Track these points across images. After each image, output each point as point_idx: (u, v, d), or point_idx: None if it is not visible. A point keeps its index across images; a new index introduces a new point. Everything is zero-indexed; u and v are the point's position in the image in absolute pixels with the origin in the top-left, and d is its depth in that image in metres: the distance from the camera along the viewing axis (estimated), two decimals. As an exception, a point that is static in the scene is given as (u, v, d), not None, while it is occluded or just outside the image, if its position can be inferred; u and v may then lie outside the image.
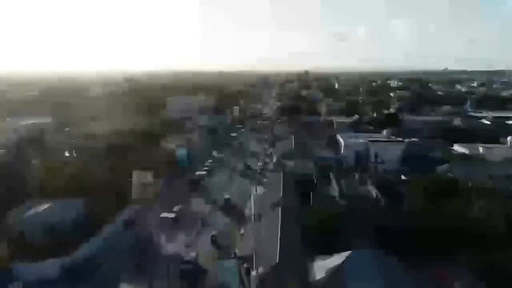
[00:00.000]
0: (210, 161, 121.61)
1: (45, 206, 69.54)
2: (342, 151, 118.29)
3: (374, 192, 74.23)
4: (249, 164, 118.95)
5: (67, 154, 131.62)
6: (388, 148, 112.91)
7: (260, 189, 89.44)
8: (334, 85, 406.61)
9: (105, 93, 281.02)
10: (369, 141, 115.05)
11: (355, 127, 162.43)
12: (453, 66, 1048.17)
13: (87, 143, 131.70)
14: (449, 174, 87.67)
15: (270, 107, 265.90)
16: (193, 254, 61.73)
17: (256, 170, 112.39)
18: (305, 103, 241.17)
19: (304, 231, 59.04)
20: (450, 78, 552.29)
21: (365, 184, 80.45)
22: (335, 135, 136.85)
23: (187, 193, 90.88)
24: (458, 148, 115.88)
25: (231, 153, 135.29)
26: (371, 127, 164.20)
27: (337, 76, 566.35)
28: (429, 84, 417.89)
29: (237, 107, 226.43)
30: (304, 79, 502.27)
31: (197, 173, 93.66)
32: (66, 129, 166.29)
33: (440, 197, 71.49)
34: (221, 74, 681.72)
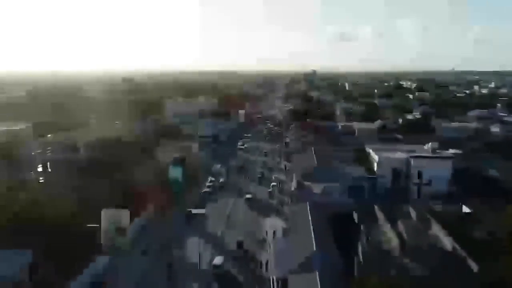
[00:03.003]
0: (211, 179, 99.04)
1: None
2: (376, 169, 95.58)
3: (448, 241, 51.43)
4: (261, 186, 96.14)
5: (40, 169, 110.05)
6: (434, 166, 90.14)
7: (279, 227, 66.73)
8: (345, 86, 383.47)
9: (100, 94, 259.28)
10: (411, 157, 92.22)
11: (380, 135, 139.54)
12: (459, 66, 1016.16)
13: (65, 155, 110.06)
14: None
15: (278, 110, 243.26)
16: None
17: (271, 192, 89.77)
18: (317, 106, 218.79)
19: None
20: (463, 79, 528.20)
21: (429, 225, 57.63)
22: (362, 146, 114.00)
23: (177, 239, 67.31)
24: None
25: (237, 169, 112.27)
26: (399, 136, 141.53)
27: (346, 76, 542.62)
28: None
29: (243, 111, 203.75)
30: (312, 80, 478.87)
31: (193, 211, 70.63)
32: (49, 135, 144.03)
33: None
34: (221, 74, 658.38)
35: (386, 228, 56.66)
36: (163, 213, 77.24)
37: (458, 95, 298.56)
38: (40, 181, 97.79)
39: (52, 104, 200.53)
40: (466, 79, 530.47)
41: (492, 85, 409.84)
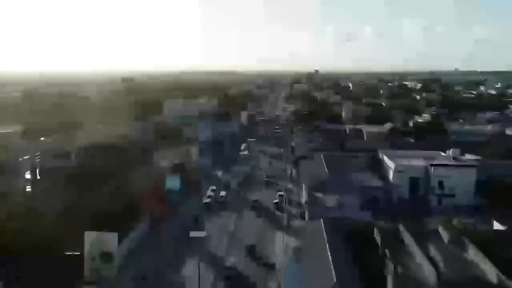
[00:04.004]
0: (212, 188, 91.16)
1: None
2: (391, 177, 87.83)
3: (491, 270, 43.62)
4: (266, 196, 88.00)
5: (28, 176, 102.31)
6: (457, 175, 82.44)
7: (290, 247, 59.03)
8: (348, 86, 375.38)
9: (98, 95, 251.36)
10: (431, 165, 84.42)
11: (391, 139, 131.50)
12: (461, 66, 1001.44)
13: (56, 161, 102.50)
14: None
15: (281, 111, 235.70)
16: None
17: (278, 204, 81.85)
18: (321, 107, 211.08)
19: None
20: (466, 79, 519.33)
21: (465, 249, 49.81)
22: (374, 151, 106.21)
23: (174, 262, 59.27)
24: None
25: (240, 176, 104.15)
26: (411, 139, 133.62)
27: (348, 76, 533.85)
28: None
29: (245, 112, 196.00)
30: (315, 80, 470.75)
31: (192, 233, 61.85)
32: (41, 138, 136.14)
33: None
34: (222, 74, 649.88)
35: (416, 252, 48.81)
36: (158, 229, 69.60)
37: (465, 96, 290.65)
38: (27, 189, 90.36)
39: (47, 105, 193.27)
40: (470, 79, 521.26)
41: (499, 85, 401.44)
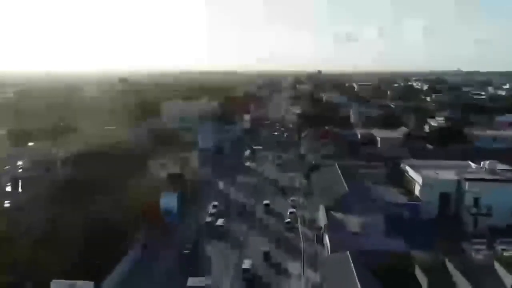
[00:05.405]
0: (214, 204, 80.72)
1: None
2: (419, 193, 77.36)
3: None
4: (274, 212, 77.58)
5: (8, 188, 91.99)
6: (495, 191, 71.81)
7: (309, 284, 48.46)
8: (353, 86, 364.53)
9: (95, 96, 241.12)
10: (465, 179, 73.90)
11: (408, 145, 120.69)
12: (463, 67, 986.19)
13: (41, 171, 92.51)
14: None
15: (286, 113, 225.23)
16: None
17: (289, 223, 71.36)
18: (327, 109, 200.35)
19: None
20: (471, 79, 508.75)
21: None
22: (393, 160, 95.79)
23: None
24: None
25: (243, 188, 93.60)
26: (429, 145, 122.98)
27: (351, 77, 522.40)
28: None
29: (248, 115, 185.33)
30: (317, 80, 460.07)
31: (190, 282, 50.58)
32: (30, 143, 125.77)
33: None
34: (222, 74, 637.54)
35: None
36: (150, 261, 58.99)
37: (476, 97, 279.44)
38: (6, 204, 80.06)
39: (40, 107, 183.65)
40: (474, 80, 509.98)
41: (507, 86, 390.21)
